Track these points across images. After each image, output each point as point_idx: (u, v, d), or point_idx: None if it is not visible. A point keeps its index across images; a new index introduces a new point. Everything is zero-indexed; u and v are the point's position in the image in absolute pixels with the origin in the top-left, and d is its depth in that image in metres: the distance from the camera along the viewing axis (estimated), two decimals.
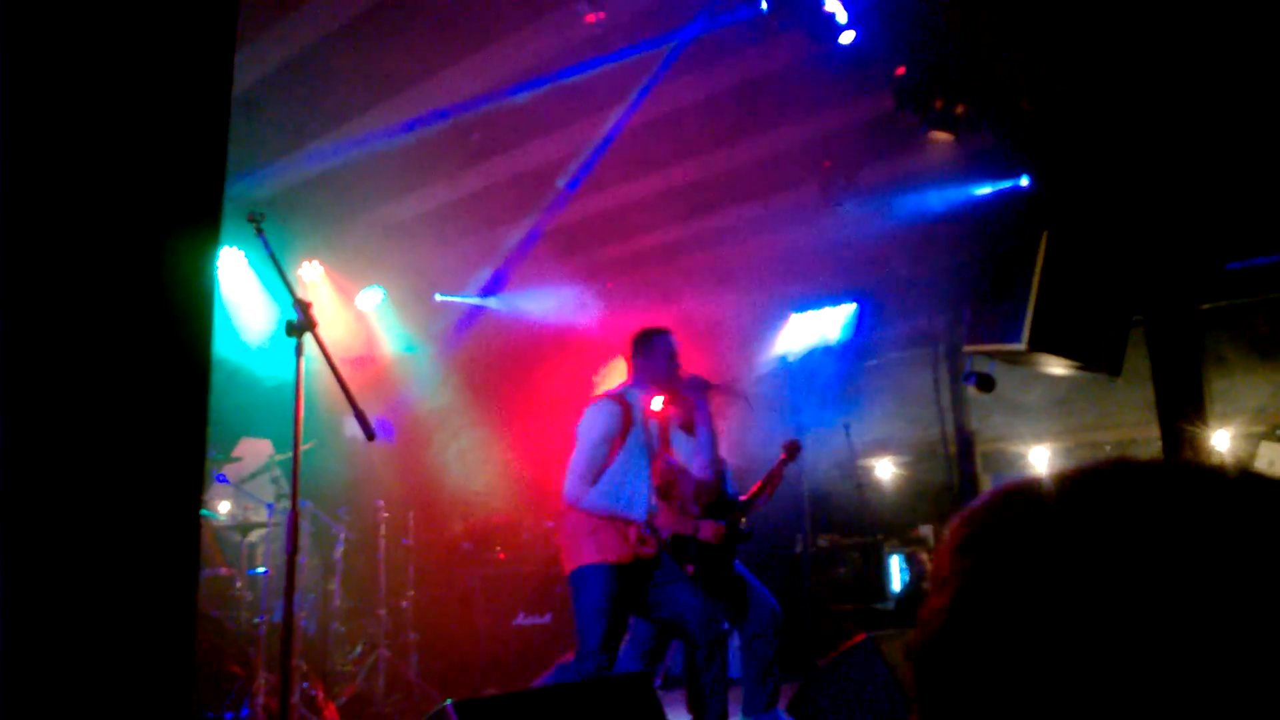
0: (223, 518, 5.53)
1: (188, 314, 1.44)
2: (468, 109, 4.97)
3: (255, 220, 3.04)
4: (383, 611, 6.08)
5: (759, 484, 5.35)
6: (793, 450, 5.45)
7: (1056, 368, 5.61)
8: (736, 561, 5.29)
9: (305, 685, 4.79)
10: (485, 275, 7.11)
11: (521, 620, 6.99)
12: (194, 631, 1.49)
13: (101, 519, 1.38)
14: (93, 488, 1.37)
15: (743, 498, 5.34)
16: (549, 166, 5.74)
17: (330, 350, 3.08)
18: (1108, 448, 7.98)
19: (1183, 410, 5.46)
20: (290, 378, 3.15)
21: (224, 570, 5.21)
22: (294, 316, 2.99)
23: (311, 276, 6.65)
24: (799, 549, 8.32)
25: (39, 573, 1.30)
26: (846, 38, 4.04)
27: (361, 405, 3.05)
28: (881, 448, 8.72)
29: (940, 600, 0.60)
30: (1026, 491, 0.63)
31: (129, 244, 1.47)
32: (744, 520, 5.22)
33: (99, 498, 1.38)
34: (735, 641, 6.02)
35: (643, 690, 3.40)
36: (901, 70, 4.24)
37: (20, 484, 1.30)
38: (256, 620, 4.75)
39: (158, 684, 1.39)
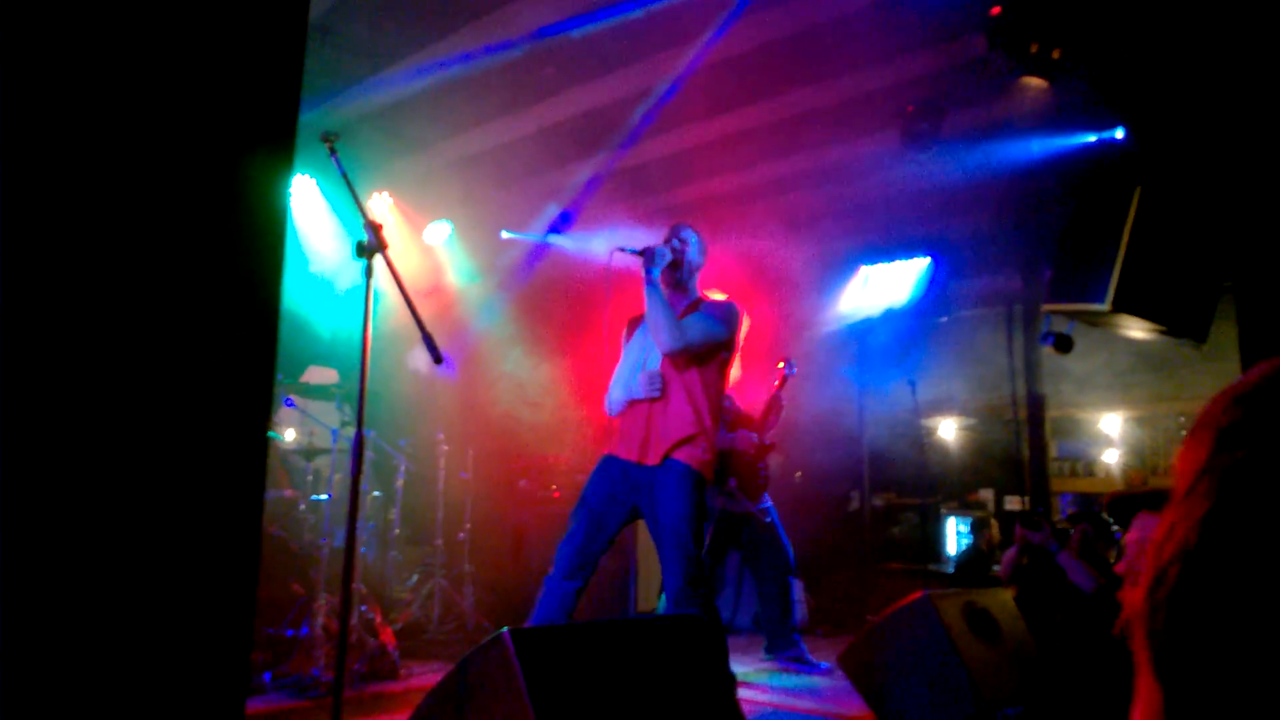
0: (289, 442, 5.64)
1: (261, 236, 1.42)
2: (541, 39, 4.87)
3: (329, 141, 3.02)
4: (440, 542, 6.18)
5: (770, 399, 5.51)
6: (784, 373, 5.56)
7: (1139, 331, 5.39)
8: (769, 500, 5.38)
9: (364, 609, 4.89)
10: (552, 213, 7.05)
11: None
12: (259, 545, 1.49)
13: (176, 434, 1.38)
14: (168, 404, 1.36)
15: (756, 415, 5.52)
16: (620, 104, 5.63)
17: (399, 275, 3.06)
18: (1183, 419, 7.71)
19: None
20: (359, 308, 3.13)
21: (289, 492, 5.33)
22: (364, 239, 2.96)
23: (380, 208, 6.67)
24: (855, 506, 8.26)
25: (120, 479, 1.30)
26: None
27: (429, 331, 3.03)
28: (946, 407, 8.56)
29: (1195, 509, 0.48)
30: None
31: (204, 165, 1.44)
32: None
33: (175, 414, 1.37)
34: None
35: (701, 631, 3.39)
36: (996, 10, 4.03)
37: (104, 394, 1.29)
38: (319, 542, 4.85)
39: (225, 594, 1.40)
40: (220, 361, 1.42)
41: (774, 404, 5.49)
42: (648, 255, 3.92)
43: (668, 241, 4.05)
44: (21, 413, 1.22)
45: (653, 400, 3.83)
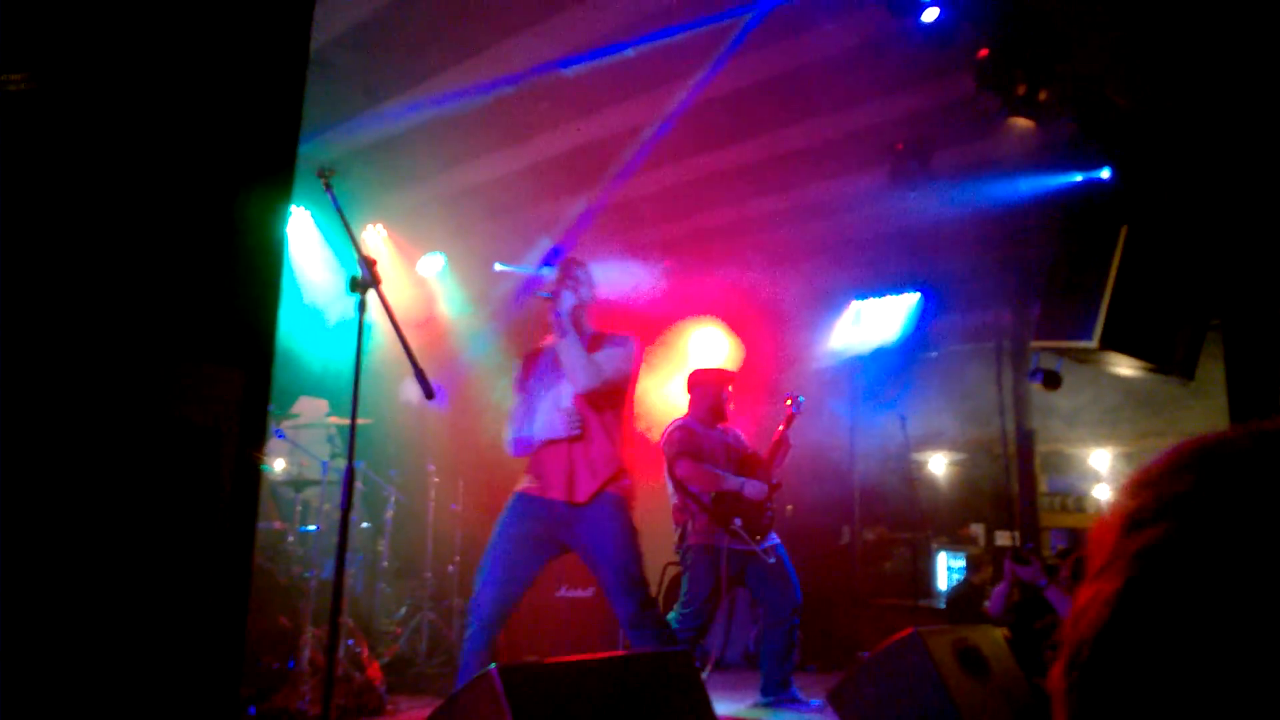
0: (278, 473, 5.62)
1: (259, 267, 1.43)
2: (537, 76, 4.94)
3: (325, 176, 3.05)
4: (429, 574, 6.15)
5: (777, 436, 5.49)
6: (792, 408, 5.56)
7: (1126, 368, 5.44)
8: (776, 538, 5.31)
9: (350, 642, 4.86)
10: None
11: (564, 593, 7.01)
12: (249, 578, 1.50)
13: (168, 463, 1.38)
14: (162, 430, 1.37)
15: (764, 455, 5.46)
16: (613, 140, 5.69)
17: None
18: None
19: (1258, 419, 5.27)
20: (350, 338, 3.14)
21: (277, 524, 5.30)
22: (358, 273, 2.99)
23: (374, 240, 6.70)
24: (845, 540, 8.24)
25: (109, 509, 1.31)
26: (930, 15, 3.92)
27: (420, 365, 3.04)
28: (936, 442, 8.57)
29: (1107, 586, 0.49)
30: (1219, 449, 0.51)
31: (204, 196, 1.46)
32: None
33: (167, 441, 1.38)
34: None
35: (684, 665, 3.38)
36: (984, 52, 4.10)
37: (87, 419, 1.30)
38: (307, 575, 4.81)
39: (215, 628, 1.40)
40: (216, 391, 1.43)
41: (782, 442, 5.47)
42: (557, 297, 4.02)
43: (565, 279, 4.14)
44: (20, 426, 1.23)
45: (574, 439, 3.89)
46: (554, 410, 3.97)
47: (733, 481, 5.15)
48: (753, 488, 5.15)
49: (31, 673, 1.22)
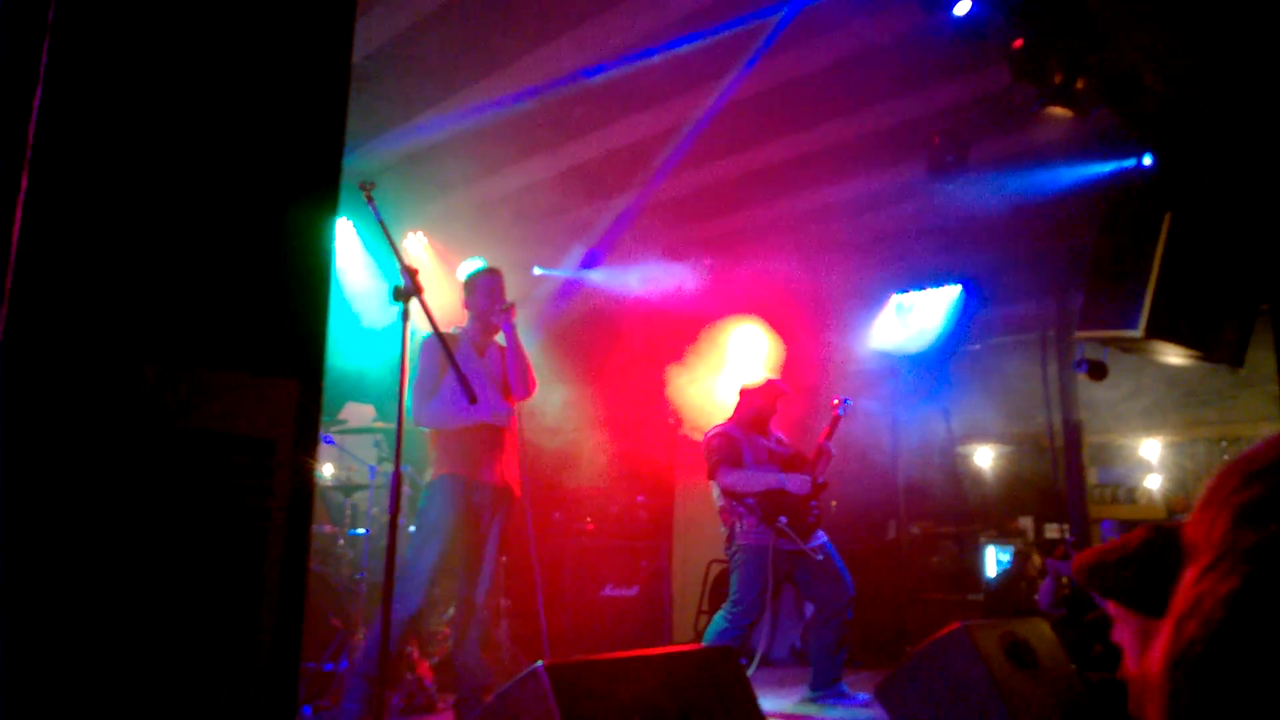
0: (327, 478, 5.74)
1: (308, 276, 1.49)
2: (570, 83, 4.99)
3: (366, 188, 3.13)
4: None
5: (822, 437, 5.44)
6: (840, 409, 5.53)
7: (1174, 357, 5.36)
8: (824, 536, 5.30)
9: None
10: (583, 249, 7.16)
11: (609, 591, 7.08)
12: (305, 583, 1.56)
13: (225, 470, 1.45)
14: (218, 436, 1.44)
15: (809, 455, 5.43)
16: (650, 141, 5.73)
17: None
18: (1223, 444, 7.60)
19: None
20: (395, 345, 3.22)
21: (328, 528, 5.42)
22: (401, 283, 3.06)
23: (415, 249, 6.81)
24: (892, 535, 8.20)
25: (169, 520, 1.38)
26: (962, 8, 3.90)
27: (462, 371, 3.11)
28: (981, 435, 8.49)
29: (1222, 584, 0.47)
30: None
31: (254, 210, 1.52)
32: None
33: (223, 447, 1.45)
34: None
35: (730, 663, 3.41)
36: (1019, 42, 4.07)
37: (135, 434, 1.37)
38: (357, 577, 4.91)
39: (273, 630, 1.46)
40: (271, 403, 1.49)
41: (823, 451, 5.43)
42: (511, 309, 4.45)
43: (495, 292, 4.56)
44: (76, 444, 1.30)
45: (501, 428, 4.31)
46: (491, 397, 4.29)
47: (774, 479, 5.15)
48: (795, 482, 5.15)
49: (91, 675, 1.29)
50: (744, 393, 5.57)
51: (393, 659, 4.33)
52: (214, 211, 1.45)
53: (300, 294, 1.49)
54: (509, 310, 4.41)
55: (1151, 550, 1.35)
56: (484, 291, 4.52)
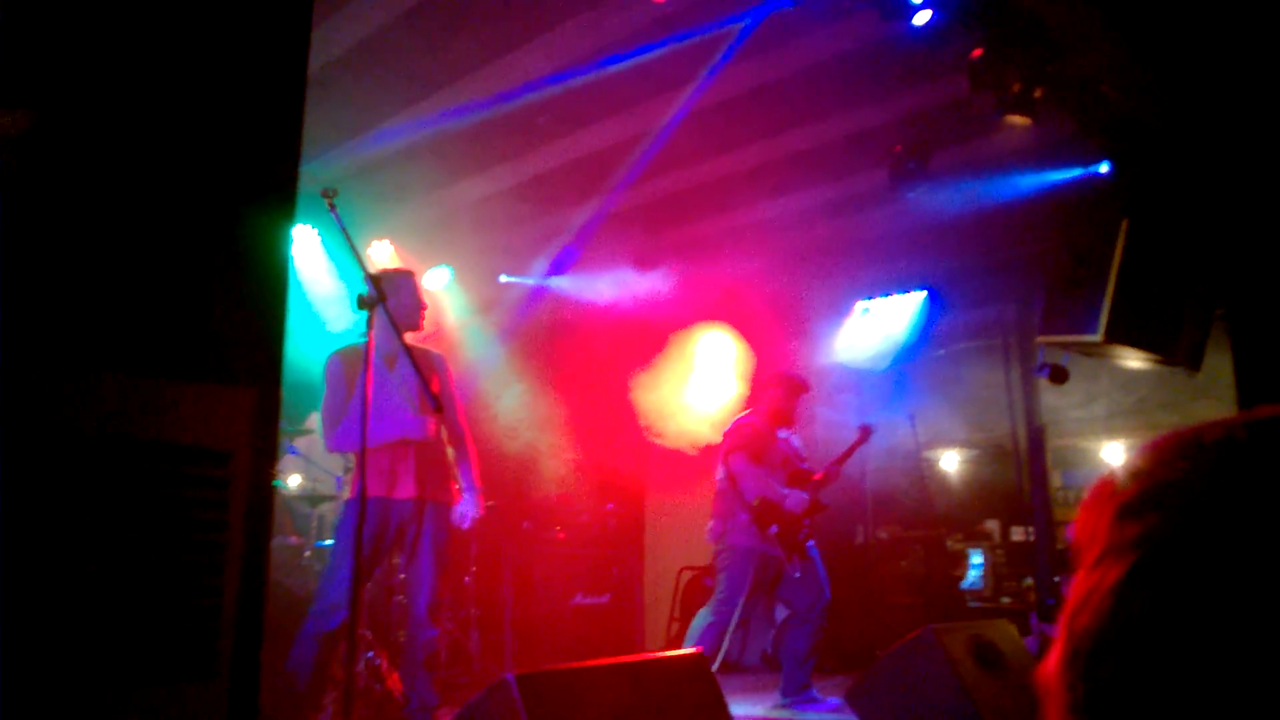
0: (293, 489, 5.67)
1: (265, 284, 1.48)
2: (535, 90, 4.99)
3: (328, 196, 3.11)
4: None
5: (835, 461, 5.52)
6: (865, 433, 5.61)
7: (1133, 360, 5.44)
8: (811, 543, 5.37)
9: (370, 654, 4.89)
10: (550, 256, 7.15)
11: (580, 600, 7.06)
12: (265, 593, 1.54)
13: (180, 484, 1.43)
14: (174, 450, 1.41)
15: (817, 475, 5.47)
16: (616, 149, 5.74)
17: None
18: None
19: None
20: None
21: (294, 539, 5.35)
22: (364, 291, 3.04)
23: (381, 256, 6.76)
24: (859, 540, 8.24)
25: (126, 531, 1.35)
26: (922, 18, 3.95)
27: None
28: (947, 440, 8.56)
29: (1107, 576, 0.49)
30: (1211, 437, 0.52)
31: (210, 217, 1.51)
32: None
33: (180, 461, 1.43)
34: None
35: (700, 669, 3.41)
36: (978, 52, 4.12)
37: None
38: None
39: (233, 641, 1.44)
40: (228, 412, 1.48)
41: (840, 462, 5.54)
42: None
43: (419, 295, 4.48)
44: (27, 453, 1.28)
45: (418, 441, 4.19)
46: (408, 412, 4.21)
47: (776, 492, 5.22)
48: (794, 500, 5.21)
49: (48, 697, 1.26)
50: (770, 385, 5.61)
51: (317, 672, 4.23)
52: (169, 220, 1.43)
53: (257, 301, 1.47)
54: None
55: None
56: (409, 293, 4.34)
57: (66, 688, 1.26)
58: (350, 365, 4.19)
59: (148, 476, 1.33)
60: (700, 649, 5.00)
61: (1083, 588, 0.51)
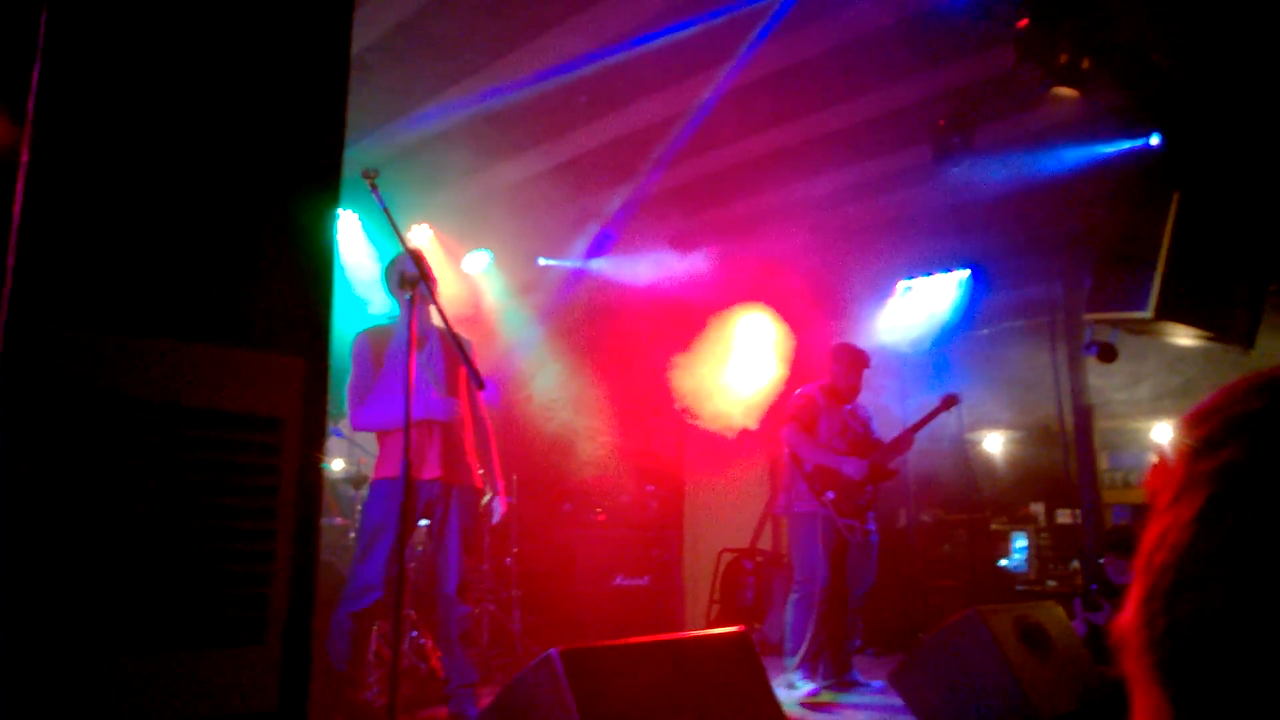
0: (337, 471, 5.74)
1: (312, 254, 1.49)
2: (572, 71, 4.97)
3: (369, 177, 3.12)
4: (487, 567, 6.24)
5: (911, 427, 5.45)
6: (949, 401, 5.48)
7: (1184, 338, 5.32)
8: (872, 521, 5.34)
9: (414, 634, 4.95)
10: (588, 239, 7.14)
11: (620, 581, 7.08)
12: (316, 569, 1.55)
13: (233, 464, 1.44)
14: (228, 433, 1.43)
15: (888, 441, 5.44)
16: (654, 128, 5.70)
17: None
18: None
19: None
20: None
21: (339, 520, 5.42)
22: (408, 270, 3.05)
23: (420, 239, 6.80)
24: (903, 523, 8.19)
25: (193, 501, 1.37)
26: None
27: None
28: (991, 421, 8.46)
29: (1184, 511, 0.48)
30: None
31: (260, 187, 1.52)
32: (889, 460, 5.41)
33: (233, 443, 1.44)
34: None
35: (744, 647, 3.40)
36: (1024, 22, 4.03)
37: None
38: None
39: (288, 620, 1.45)
40: (278, 380, 1.49)
41: (916, 429, 5.45)
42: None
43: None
44: (71, 410, 1.30)
45: (444, 422, 4.17)
46: (433, 392, 4.18)
47: (832, 458, 5.21)
48: (851, 466, 5.18)
49: (101, 658, 1.28)
50: (833, 359, 5.59)
51: (356, 651, 4.28)
52: (221, 189, 1.44)
53: (305, 272, 1.48)
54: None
55: None
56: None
57: (121, 650, 1.29)
58: (378, 343, 4.20)
59: (199, 443, 1.35)
60: (794, 639, 5.03)
61: (1158, 527, 0.50)
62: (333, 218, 1.55)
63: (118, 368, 1.27)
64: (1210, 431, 0.51)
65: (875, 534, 5.36)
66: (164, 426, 1.30)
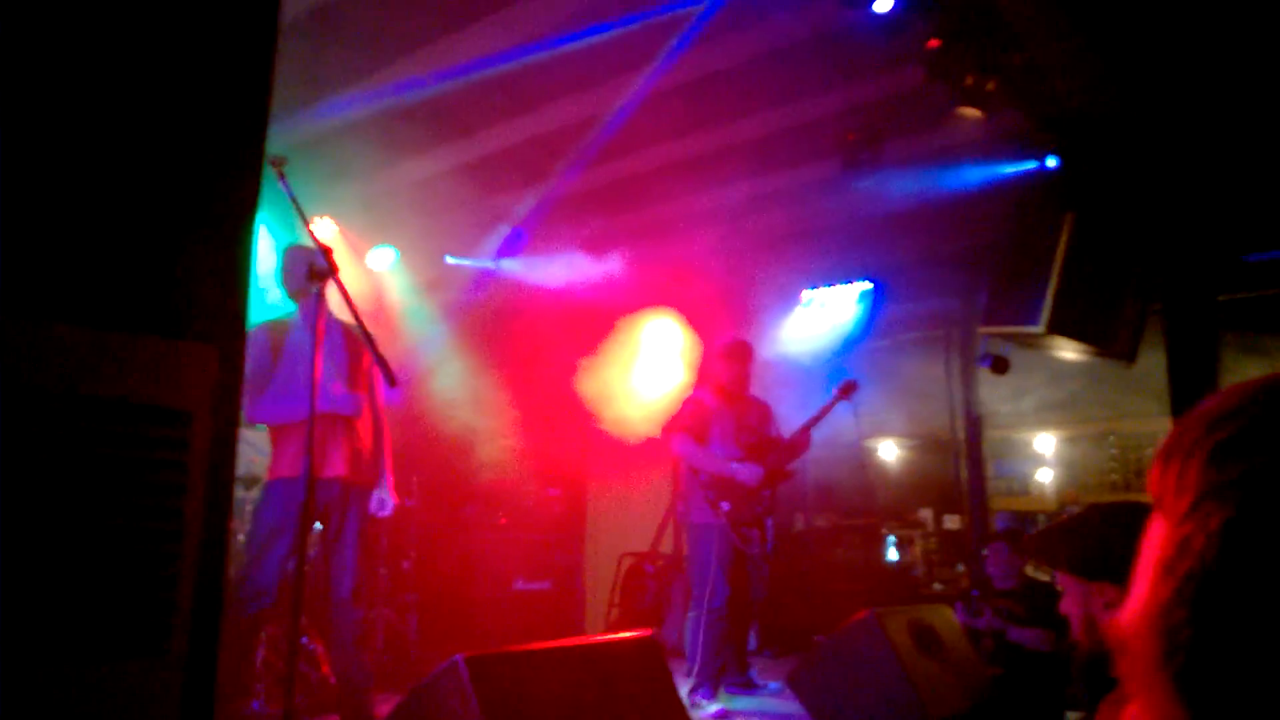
0: None
1: (229, 237, 1.40)
2: (490, 67, 4.89)
3: (277, 164, 2.99)
4: (383, 570, 6.08)
5: (804, 425, 5.24)
6: (847, 389, 5.30)
7: (1071, 352, 5.58)
8: (770, 526, 5.19)
9: (304, 640, 4.77)
10: (498, 239, 7.05)
11: (521, 585, 7.00)
12: (225, 570, 1.46)
13: (139, 465, 1.35)
14: (136, 431, 1.33)
15: (783, 441, 5.24)
16: (569, 130, 5.66)
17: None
18: (1111, 438, 7.96)
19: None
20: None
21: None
22: (314, 263, 2.94)
23: (325, 233, 6.59)
24: (800, 527, 8.34)
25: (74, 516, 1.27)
26: (882, 5, 3.97)
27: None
28: (887, 429, 8.69)
29: (1212, 519, 0.48)
30: None
31: (176, 163, 1.42)
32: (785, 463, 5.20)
33: (140, 445, 1.34)
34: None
35: (651, 651, 3.39)
36: (935, 42, 4.16)
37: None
38: None
39: (196, 624, 1.36)
40: (189, 370, 1.39)
41: (811, 426, 5.22)
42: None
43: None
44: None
45: (347, 417, 4.09)
46: (335, 385, 4.07)
47: (725, 465, 5.02)
48: (746, 473, 4.99)
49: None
50: (715, 357, 5.39)
51: (243, 658, 4.11)
52: (133, 167, 1.34)
53: (221, 255, 1.39)
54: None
55: (1092, 523, 1.45)
56: (299, 268, 4.08)
57: (7, 662, 1.18)
58: (276, 337, 4.05)
59: (103, 436, 1.24)
60: (693, 658, 4.86)
61: (1177, 535, 0.49)
62: (255, 196, 1.47)
63: (10, 352, 1.16)
64: (1230, 436, 0.50)
65: (771, 541, 5.22)
66: (61, 417, 1.19)
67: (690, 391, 5.41)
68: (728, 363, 5.29)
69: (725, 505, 5.00)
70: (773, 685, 5.25)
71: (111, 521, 1.24)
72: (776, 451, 5.19)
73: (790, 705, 4.52)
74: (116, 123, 1.35)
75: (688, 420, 5.18)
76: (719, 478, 5.04)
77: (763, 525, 5.17)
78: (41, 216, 1.25)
